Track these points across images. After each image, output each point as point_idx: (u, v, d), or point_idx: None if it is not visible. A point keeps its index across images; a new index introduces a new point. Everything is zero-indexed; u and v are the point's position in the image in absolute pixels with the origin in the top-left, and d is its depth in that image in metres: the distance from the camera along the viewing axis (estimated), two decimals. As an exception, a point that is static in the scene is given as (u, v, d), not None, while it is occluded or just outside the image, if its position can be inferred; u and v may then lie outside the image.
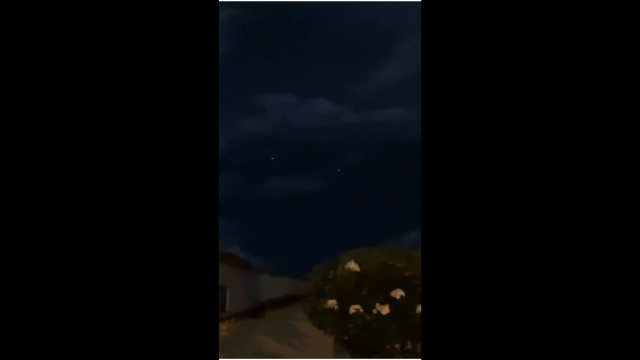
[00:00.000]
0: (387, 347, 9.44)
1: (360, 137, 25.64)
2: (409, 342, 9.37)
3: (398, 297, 8.92)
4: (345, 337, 9.80)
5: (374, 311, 9.12)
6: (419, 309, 9.21)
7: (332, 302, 10.12)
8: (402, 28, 27.38)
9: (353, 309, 9.19)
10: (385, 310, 9.01)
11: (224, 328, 9.36)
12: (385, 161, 24.58)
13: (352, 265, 9.45)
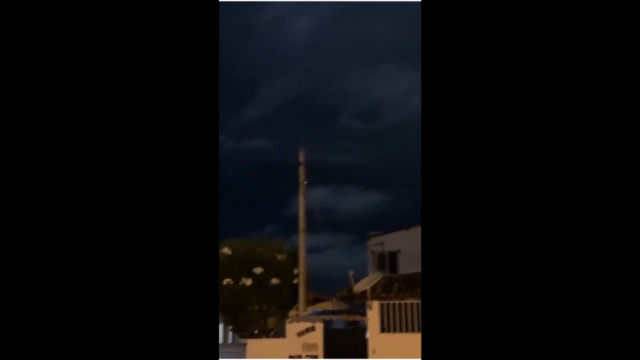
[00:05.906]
0: (249, 309, 12.45)
1: (234, 159, 31.73)
2: (265, 304, 12.45)
3: (258, 273, 11.99)
4: (220, 302, 12.25)
5: (241, 283, 12.06)
6: (273, 280, 12.17)
7: (210, 277, 12.70)
8: (262, 74, 37.09)
9: (225, 281, 12.02)
10: (248, 282, 12.00)
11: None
12: (252, 176, 30.44)
13: (226, 250, 12.36)
